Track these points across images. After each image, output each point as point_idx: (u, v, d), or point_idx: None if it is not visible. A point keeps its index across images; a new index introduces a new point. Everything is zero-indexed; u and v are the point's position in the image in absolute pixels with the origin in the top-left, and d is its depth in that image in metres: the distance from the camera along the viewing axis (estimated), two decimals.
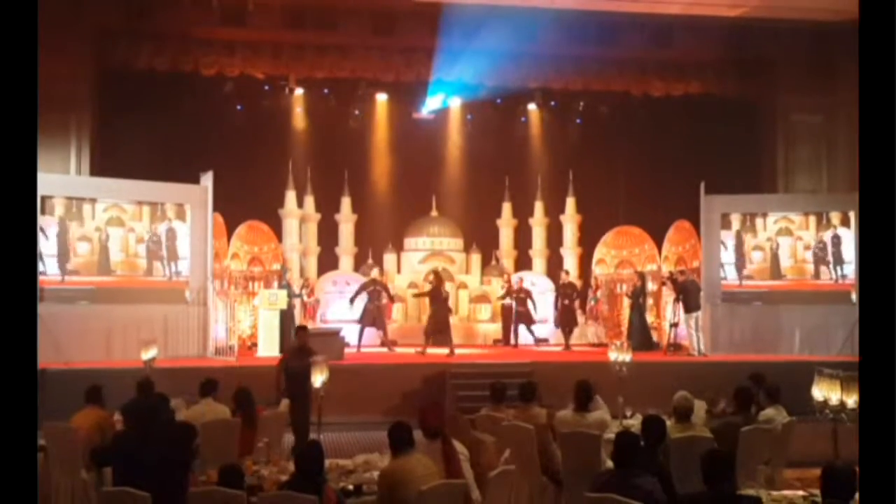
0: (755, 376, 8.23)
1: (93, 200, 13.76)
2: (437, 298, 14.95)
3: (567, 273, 17.06)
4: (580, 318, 18.04)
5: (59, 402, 8.40)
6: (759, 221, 15.61)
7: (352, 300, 15.41)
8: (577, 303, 16.53)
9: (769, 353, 14.32)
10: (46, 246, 13.23)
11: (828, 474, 4.32)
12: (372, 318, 15.23)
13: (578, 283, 18.64)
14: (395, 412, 10.54)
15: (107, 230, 13.85)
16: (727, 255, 15.56)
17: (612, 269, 17.49)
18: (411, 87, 17.43)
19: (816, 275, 15.30)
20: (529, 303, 16.29)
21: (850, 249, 14.94)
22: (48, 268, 13.25)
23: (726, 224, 15.59)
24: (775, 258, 15.48)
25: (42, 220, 13.03)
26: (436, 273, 16.13)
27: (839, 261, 15.17)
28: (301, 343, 9.85)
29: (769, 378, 8.21)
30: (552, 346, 16.99)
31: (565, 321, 16.25)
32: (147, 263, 14.13)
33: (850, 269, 14.91)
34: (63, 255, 13.46)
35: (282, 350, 14.16)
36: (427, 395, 11.94)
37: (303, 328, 10.42)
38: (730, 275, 15.55)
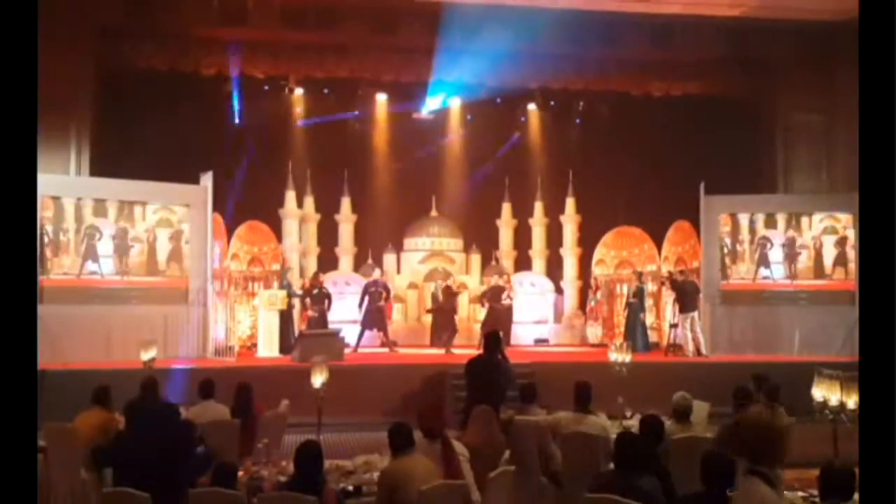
0: (757, 376, 8.20)
1: (143, 203, 14.02)
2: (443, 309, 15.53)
3: (462, 283, 17.12)
4: (580, 319, 18.04)
5: (58, 403, 8.41)
6: (804, 220, 15.48)
7: (360, 304, 15.46)
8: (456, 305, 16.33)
9: (769, 353, 14.31)
10: (102, 247, 13.59)
11: (826, 474, 4.32)
12: (373, 319, 15.23)
13: (578, 284, 18.66)
14: (394, 413, 10.52)
15: (155, 231, 14.08)
16: (775, 254, 15.46)
17: (611, 269, 17.47)
18: (411, 87, 17.42)
19: None
20: (505, 298, 15.95)
21: None
22: (103, 268, 13.57)
23: (772, 223, 15.53)
24: (819, 257, 15.36)
25: (97, 222, 13.56)
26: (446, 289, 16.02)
27: None
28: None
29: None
30: (552, 347, 16.99)
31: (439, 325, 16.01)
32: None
33: None
34: (121, 255, 13.80)
35: (282, 351, 14.13)
36: (427, 396, 11.94)
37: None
38: (776, 274, 15.44)
